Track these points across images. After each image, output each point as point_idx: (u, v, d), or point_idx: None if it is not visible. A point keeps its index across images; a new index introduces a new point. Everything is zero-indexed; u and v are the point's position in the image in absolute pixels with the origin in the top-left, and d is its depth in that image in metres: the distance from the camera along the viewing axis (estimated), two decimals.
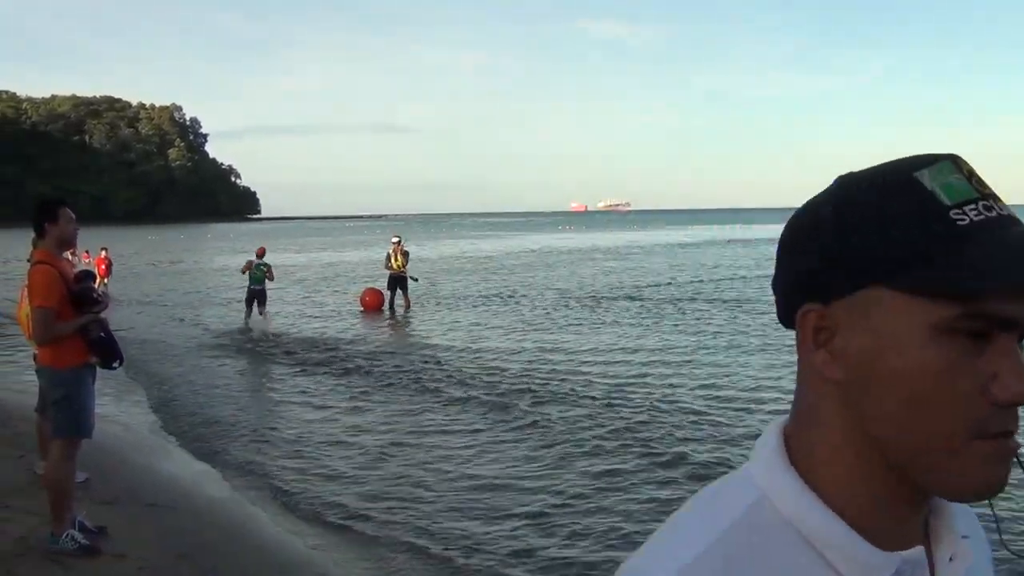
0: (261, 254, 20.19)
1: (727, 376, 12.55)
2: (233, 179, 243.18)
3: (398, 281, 22.10)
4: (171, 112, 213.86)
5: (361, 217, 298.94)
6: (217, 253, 57.84)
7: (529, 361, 14.24)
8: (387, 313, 21.51)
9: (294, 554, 6.30)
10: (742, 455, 8.47)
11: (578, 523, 6.77)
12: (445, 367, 13.75)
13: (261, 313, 19.92)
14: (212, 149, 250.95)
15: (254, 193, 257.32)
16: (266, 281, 19.80)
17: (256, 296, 19.90)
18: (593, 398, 11.18)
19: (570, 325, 18.66)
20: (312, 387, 12.52)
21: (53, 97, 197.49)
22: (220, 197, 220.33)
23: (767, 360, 13.63)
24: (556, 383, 12.20)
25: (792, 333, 0.81)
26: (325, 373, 13.56)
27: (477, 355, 14.93)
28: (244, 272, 20.24)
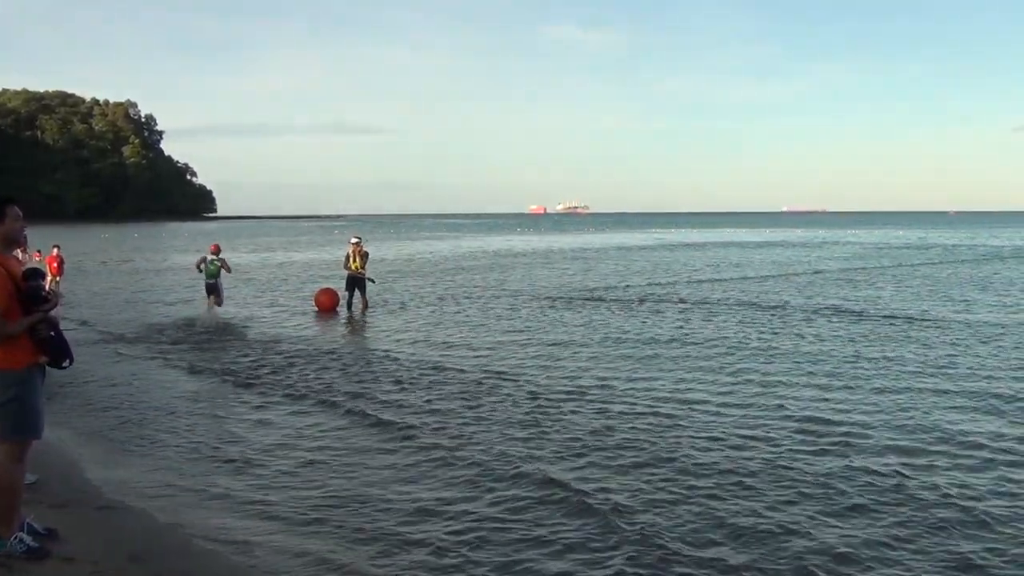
0: (215, 251, 21.25)
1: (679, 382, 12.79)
2: (189, 177, 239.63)
3: (356, 282, 22.08)
4: (126, 109, 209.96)
5: (319, 217, 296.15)
6: (172, 252, 57.11)
7: (469, 368, 14.36)
8: (344, 314, 21.48)
9: (242, 560, 6.32)
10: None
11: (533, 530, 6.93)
12: (395, 371, 13.86)
13: (217, 303, 21.29)
14: (168, 147, 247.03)
15: (210, 192, 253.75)
16: (221, 274, 21.21)
17: (211, 290, 21.28)
18: (538, 404, 11.35)
19: (521, 329, 18.82)
20: (248, 397, 12.51)
21: (3, 92, 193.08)
22: (176, 196, 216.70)
23: (717, 376, 13.89)
24: (500, 387, 12.39)
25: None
26: (263, 382, 13.54)
27: (421, 359, 15.03)
28: (199, 268, 21.45)
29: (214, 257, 20.98)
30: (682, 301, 23.71)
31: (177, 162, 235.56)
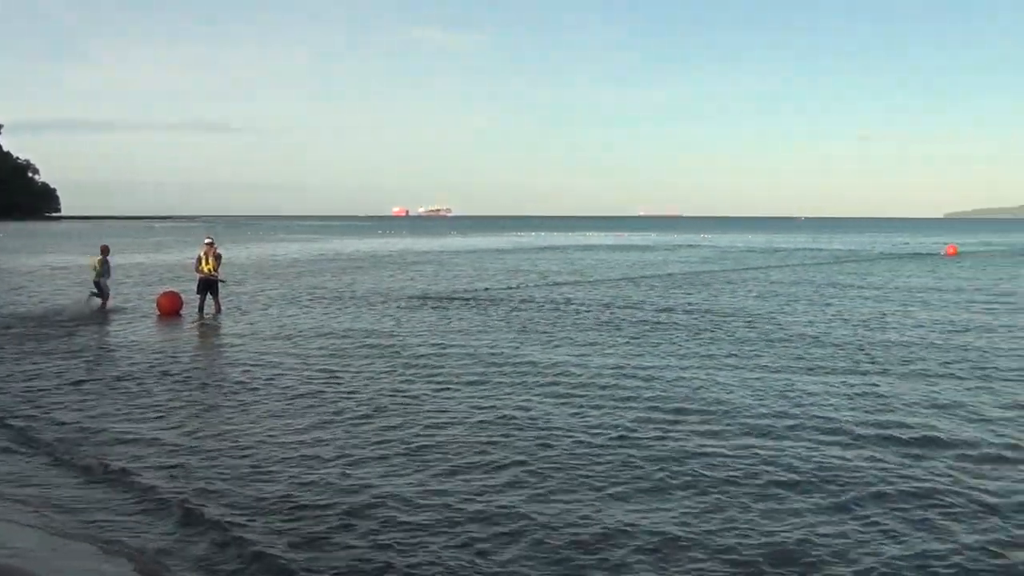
0: (105, 251, 23.37)
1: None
2: (31, 175, 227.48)
3: (208, 285, 21.91)
4: None
5: (175, 218, 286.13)
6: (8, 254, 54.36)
7: (314, 374, 14.72)
8: (197, 317, 21.25)
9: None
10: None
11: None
12: (243, 374, 14.08)
13: (99, 299, 22.93)
14: (7, 142, 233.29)
15: (54, 190, 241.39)
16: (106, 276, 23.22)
17: (98, 289, 23.12)
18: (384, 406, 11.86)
19: (365, 331, 19.21)
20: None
21: None
22: (16, 194, 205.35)
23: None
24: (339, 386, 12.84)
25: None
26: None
27: (264, 363, 15.30)
28: (92, 268, 23.36)
29: (101, 258, 23.04)
30: (529, 301, 24.63)
31: (17, 158, 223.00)
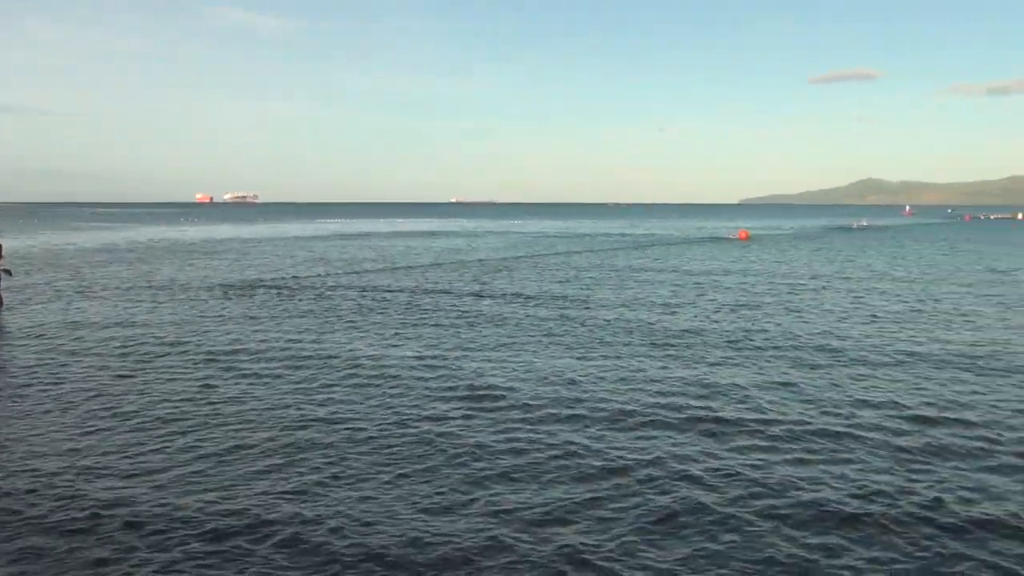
0: None
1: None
2: None
3: None
4: None
5: None
6: None
7: (111, 364, 13.90)
8: None
9: None
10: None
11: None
12: (26, 375, 13.07)
13: None
14: None
15: None
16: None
17: None
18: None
19: (157, 323, 18.32)
20: None
21: None
22: None
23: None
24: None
25: None
26: None
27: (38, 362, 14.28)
28: None
29: None
30: (336, 288, 24.23)
31: None
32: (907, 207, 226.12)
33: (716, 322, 18.38)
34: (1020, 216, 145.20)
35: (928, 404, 11.08)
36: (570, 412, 10.64)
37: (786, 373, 13.03)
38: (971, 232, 76.60)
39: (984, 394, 11.70)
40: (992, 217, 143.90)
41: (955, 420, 10.31)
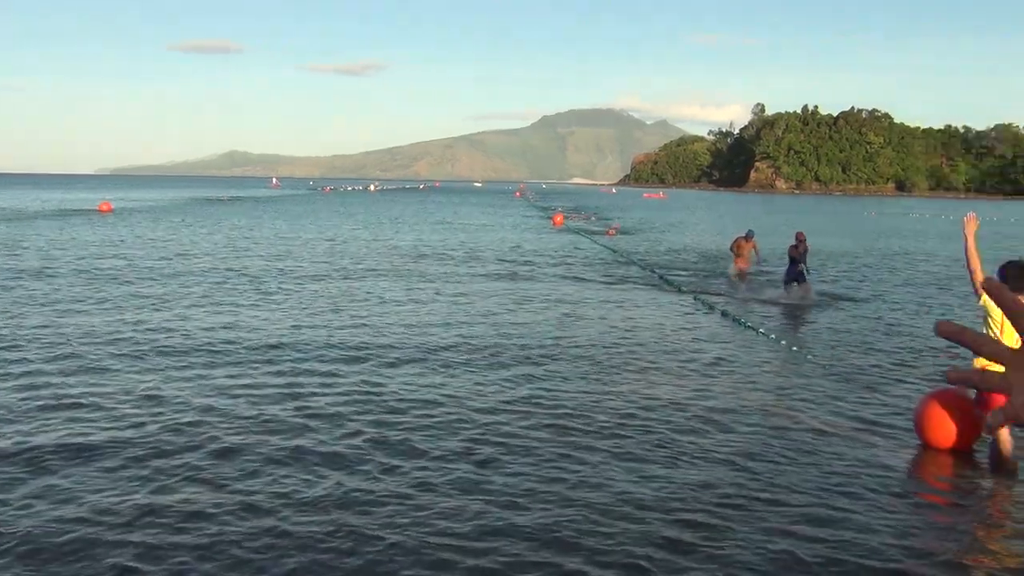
0: None
1: None
2: None
3: None
4: None
5: None
6: None
7: None
8: None
9: None
10: None
11: None
12: None
13: None
14: None
15: None
16: None
17: None
18: None
19: None
20: None
21: None
22: None
23: None
24: None
25: None
26: None
27: None
28: None
29: None
30: None
31: None
32: (274, 179, 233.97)
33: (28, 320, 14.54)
34: (372, 188, 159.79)
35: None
36: None
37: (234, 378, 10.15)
38: (337, 201, 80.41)
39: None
40: (350, 189, 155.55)
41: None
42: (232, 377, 10.80)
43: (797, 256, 19.63)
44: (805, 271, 19.63)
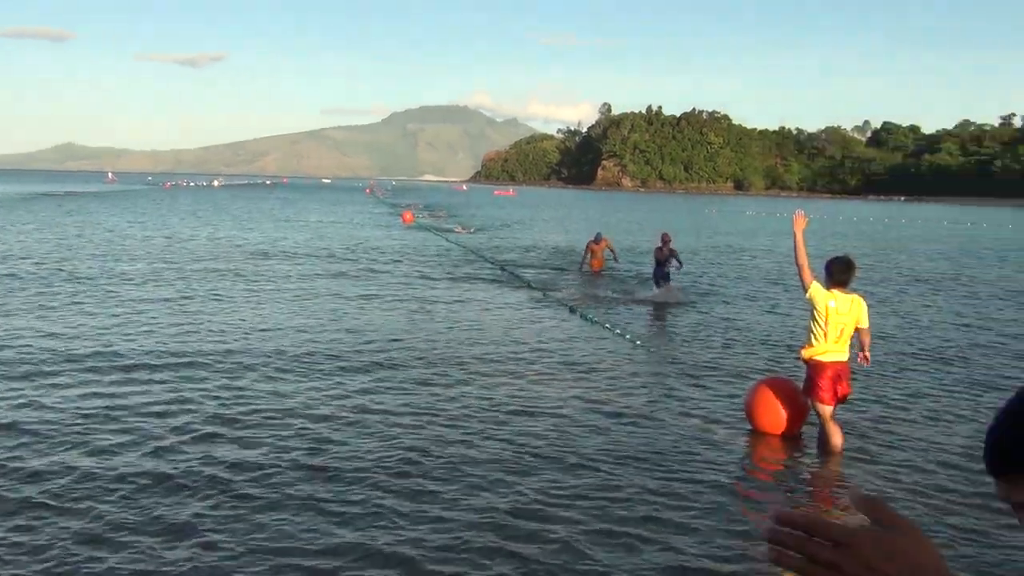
0: None
1: None
2: None
3: None
4: None
5: None
6: None
7: None
8: None
9: None
10: None
11: None
12: None
13: None
14: None
15: None
16: None
17: None
18: None
19: None
20: None
21: None
22: None
23: None
24: None
25: None
26: None
27: None
28: None
29: None
30: None
31: None
32: (110, 173, 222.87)
33: None
34: (216, 183, 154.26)
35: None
36: None
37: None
38: (179, 197, 77.14)
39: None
40: (192, 184, 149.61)
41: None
42: (40, 389, 10.01)
43: (662, 258, 19.79)
44: (672, 271, 19.78)
